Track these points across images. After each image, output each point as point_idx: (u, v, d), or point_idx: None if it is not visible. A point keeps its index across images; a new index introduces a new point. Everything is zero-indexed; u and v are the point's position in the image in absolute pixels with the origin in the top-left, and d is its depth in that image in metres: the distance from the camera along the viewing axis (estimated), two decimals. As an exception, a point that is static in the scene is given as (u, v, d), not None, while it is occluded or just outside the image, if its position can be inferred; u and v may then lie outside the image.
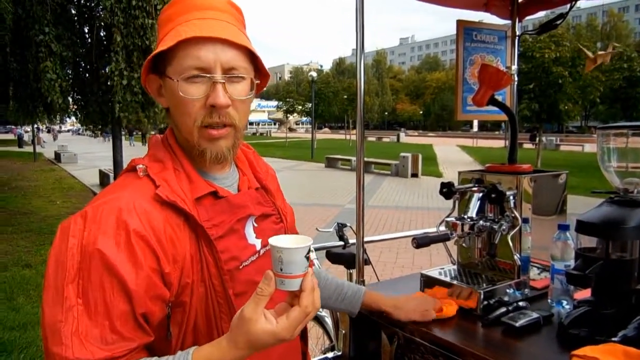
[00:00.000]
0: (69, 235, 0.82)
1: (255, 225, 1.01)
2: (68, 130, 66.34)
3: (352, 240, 2.35)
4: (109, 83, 8.22)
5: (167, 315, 0.87)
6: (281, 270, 0.80)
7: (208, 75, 0.89)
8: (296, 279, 0.81)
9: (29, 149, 26.57)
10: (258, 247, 1.00)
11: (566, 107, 16.90)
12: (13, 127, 48.93)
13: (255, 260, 0.99)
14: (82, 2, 9.45)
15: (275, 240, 0.82)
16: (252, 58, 0.95)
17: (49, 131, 56.84)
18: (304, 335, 1.17)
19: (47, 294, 0.81)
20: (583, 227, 1.24)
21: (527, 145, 26.23)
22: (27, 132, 39.20)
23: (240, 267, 0.95)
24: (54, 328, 0.77)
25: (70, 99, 10.07)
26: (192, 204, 0.90)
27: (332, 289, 1.40)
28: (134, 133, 32.12)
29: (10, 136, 49.47)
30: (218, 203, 0.96)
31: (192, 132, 0.92)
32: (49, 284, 0.81)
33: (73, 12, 9.22)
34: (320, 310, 2.69)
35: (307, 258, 0.81)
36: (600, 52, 1.90)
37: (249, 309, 0.79)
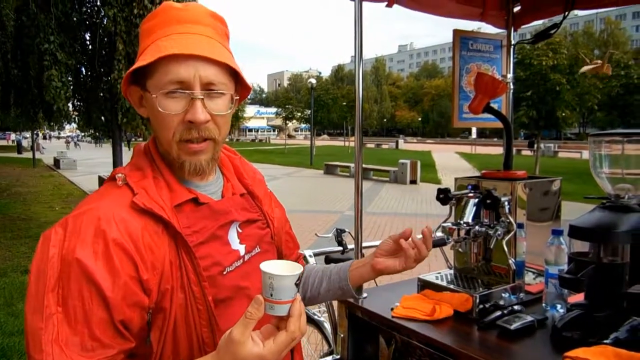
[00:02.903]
0: (49, 245, 0.84)
1: (240, 230, 1.02)
2: (67, 136, 66.39)
3: (350, 246, 2.38)
4: (112, 90, 8.27)
5: (148, 321, 0.88)
6: (271, 295, 0.82)
7: (187, 91, 0.89)
8: (285, 304, 0.82)
9: (28, 155, 26.58)
10: (242, 252, 1.01)
11: (564, 114, 16.96)
12: (8, 133, 48.82)
13: (240, 266, 1.00)
14: (84, 10, 9.51)
15: (267, 267, 0.83)
16: (234, 72, 0.96)
17: (44, 137, 56.75)
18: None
19: (29, 302, 0.82)
20: (575, 231, 1.27)
21: (526, 152, 26.32)
22: (26, 138, 39.20)
23: (224, 272, 0.96)
24: (34, 335, 0.79)
25: (71, 105, 10.11)
26: (171, 211, 0.91)
27: (319, 275, 1.27)
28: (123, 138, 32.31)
29: (4, 142, 49.51)
30: (199, 209, 0.97)
31: (171, 145, 0.93)
32: (30, 292, 0.83)
33: (75, 19, 9.27)
34: (319, 315, 2.71)
35: (297, 285, 0.83)
36: (595, 62, 1.93)
37: (238, 331, 0.80)
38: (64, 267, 0.82)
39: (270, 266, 0.84)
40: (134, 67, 0.90)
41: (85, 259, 0.81)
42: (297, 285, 0.83)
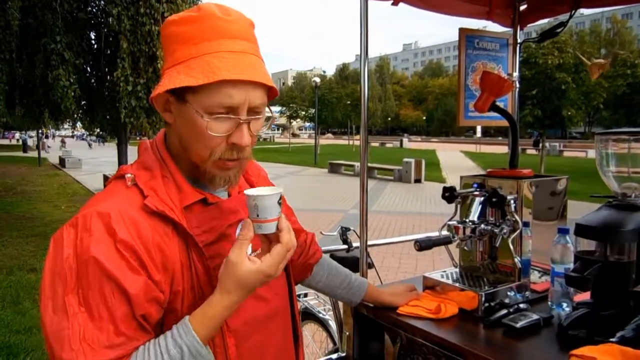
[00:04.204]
0: (63, 246, 0.83)
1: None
2: (72, 136, 66.49)
3: (355, 244, 2.38)
4: (116, 89, 8.28)
5: (161, 320, 0.89)
6: (257, 216, 0.88)
7: (235, 116, 0.89)
8: (272, 222, 0.89)
9: (34, 154, 26.71)
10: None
11: (569, 113, 16.89)
12: (12, 132, 48.86)
13: None
14: (89, 9, 9.55)
15: (250, 191, 0.90)
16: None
17: (46, 137, 56.86)
18: (296, 339, 1.18)
19: (46, 306, 0.82)
20: (582, 230, 1.27)
21: (531, 151, 26.23)
22: (31, 137, 39.25)
23: None
24: (60, 336, 0.79)
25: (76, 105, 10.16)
26: (181, 213, 0.91)
27: (341, 278, 1.45)
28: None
29: (7, 142, 49.59)
30: (208, 209, 0.97)
31: (206, 162, 0.93)
32: (47, 296, 0.82)
33: (80, 19, 9.30)
34: (324, 313, 2.71)
35: (280, 204, 0.90)
36: (596, 60, 1.93)
37: (233, 254, 0.86)
38: (81, 266, 0.81)
39: (253, 190, 0.91)
40: (185, 84, 0.86)
41: (101, 257, 0.82)
42: (279, 204, 0.90)
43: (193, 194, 0.95)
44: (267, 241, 0.91)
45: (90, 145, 41.76)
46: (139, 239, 0.85)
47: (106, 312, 0.80)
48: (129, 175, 0.93)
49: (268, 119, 0.99)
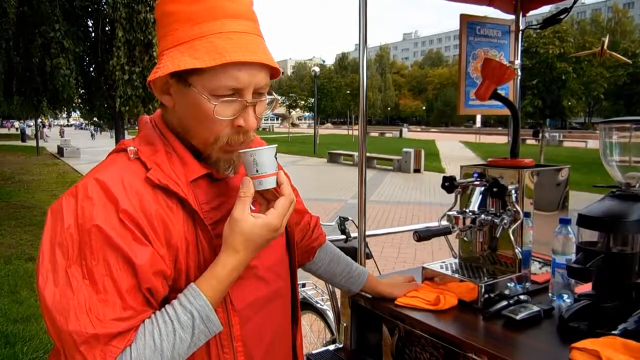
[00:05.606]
0: (63, 216, 0.80)
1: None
2: (71, 125, 66.31)
3: (354, 234, 2.36)
4: (112, 77, 8.24)
5: (166, 298, 0.86)
6: (257, 171, 0.88)
7: (240, 99, 0.87)
8: (272, 177, 0.89)
9: (32, 143, 26.65)
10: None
11: (570, 103, 16.88)
12: (11, 121, 48.66)
13: None
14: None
15: (245, 149, 0.90)
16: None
17: (44, 126, 56.60)
18: (295, 322, 1.17)
19: (46, 279, 0.78)
20: (584, 220, 1.24)
21: (530, 141, 26.19)
22: (30, 126, 39.07)
23: None
24: (65, 308, 0.75)
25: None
26: (187, 187, 0.88)
27: (342, 266, 1.43)
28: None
29: (5, 131, 49.34)
30: (217, 185, 0.95)
31: (210, 146, 0.91)
32: (47, 269, 0.78)
33: (78, 6, 9.22)
34: (322, 303, 2.70)
35: (276, 159, 0.91)
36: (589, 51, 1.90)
37: (237, 211, 0.85)
38: (83, 236, 0.78)
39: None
40: (190, 66, 0.83)
41: (105, 225, 0.78)
42: (276, 159, 0.91)
43: (199, 168, 0.92)
44: (266, 202, 0.91)
45: (92, 135, 40.58)
46: (142, 211, 0.82)
47: (111, 284, 0.77)
48: (131, 148, 0.90)
49: (271, 102, 0.96)
